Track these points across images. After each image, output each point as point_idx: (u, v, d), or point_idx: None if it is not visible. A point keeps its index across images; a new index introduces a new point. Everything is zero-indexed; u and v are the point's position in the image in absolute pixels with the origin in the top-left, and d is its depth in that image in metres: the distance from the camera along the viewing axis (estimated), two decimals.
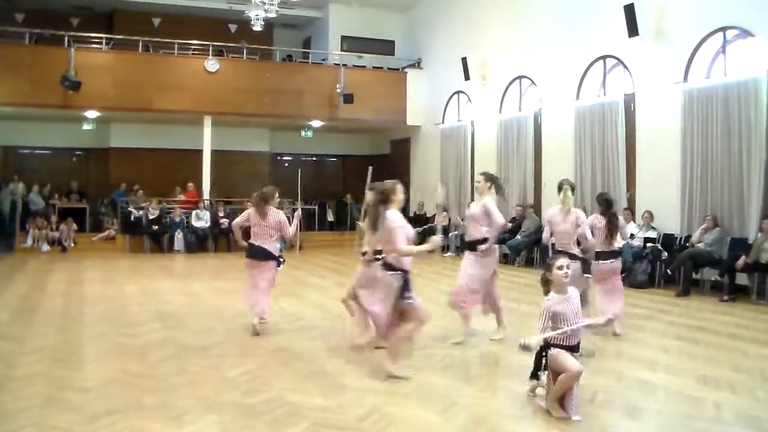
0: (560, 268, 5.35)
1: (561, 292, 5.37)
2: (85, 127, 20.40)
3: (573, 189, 8.12)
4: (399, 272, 6.13)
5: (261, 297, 8.28)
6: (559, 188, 8.12)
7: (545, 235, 8.40)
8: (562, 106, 15.63)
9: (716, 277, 11.35)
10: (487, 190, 7.81)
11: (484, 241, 7.63)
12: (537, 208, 16.19)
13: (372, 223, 6.41)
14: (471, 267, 7.76)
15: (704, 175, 12.19)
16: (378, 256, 6.78)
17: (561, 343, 5.26)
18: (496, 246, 7.92)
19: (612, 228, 8.08)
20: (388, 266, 6.20)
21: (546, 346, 5.27)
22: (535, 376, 5.39)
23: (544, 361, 5.28)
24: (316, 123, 21.52)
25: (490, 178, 7.91)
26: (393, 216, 6.21)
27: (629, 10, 13.40)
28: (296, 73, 21.07)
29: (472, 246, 7.78)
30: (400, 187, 6.41)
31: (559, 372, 5.19)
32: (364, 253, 7.34)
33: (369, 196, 6.99)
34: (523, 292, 11.25)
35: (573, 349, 5.30)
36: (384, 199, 6.29)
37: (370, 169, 8.37)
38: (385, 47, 23.08)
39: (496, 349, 7.43)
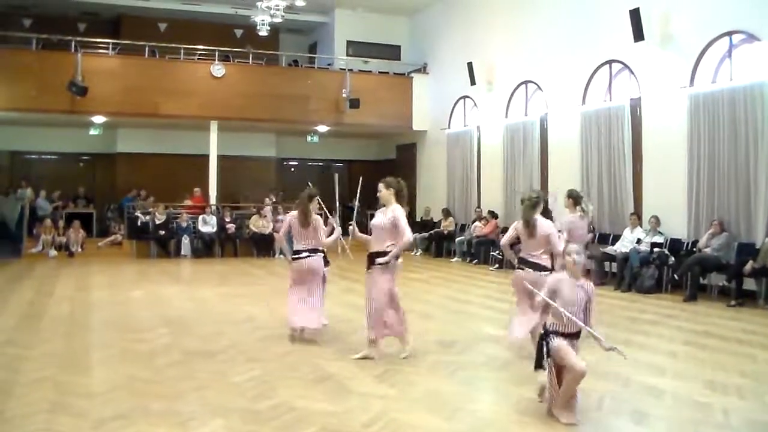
0: (569, 253, 5.41)
1: (572, 276, 5.39)
2: (92, 132, 20.51)
3: None
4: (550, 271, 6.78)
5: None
6: (577, 199, 8.36)
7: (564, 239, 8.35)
8: (568, 111, 15.61)
9: (724, 282, 11.32)
10: (392, 199, 7.02)
11: (386, 254, 6.90)
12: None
13: (526, 228, 7.06)
14: (371, 286, 7.06)
15: (711, 180, 12.16)
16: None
17: (558, 329, 5.25)
18: (399, 262, 7.09)
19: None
20: (537, 266, 6.94)
21: (546, 334, 5.28)
22: (539, 365, 5.34)
23: (546, 349, 5.25)
24: (322, 128, 21.56)
25: (391, 185, 7.08)
26: (544, 222, 7.06)
27: (635, 15, 13.39)
28: (302, 78, 21.12)
29: (372, 259, 6.99)
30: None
31: (561, 365, 5.17)
32: None
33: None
34: None
35: (572, 336, 5.27)
36: (535, 205, 7.05)
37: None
38: (391, 52, 23.11)
39: (502, 354, 7.41)
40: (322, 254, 8.06)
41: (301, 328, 8.01)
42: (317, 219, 7.98)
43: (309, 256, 7.95)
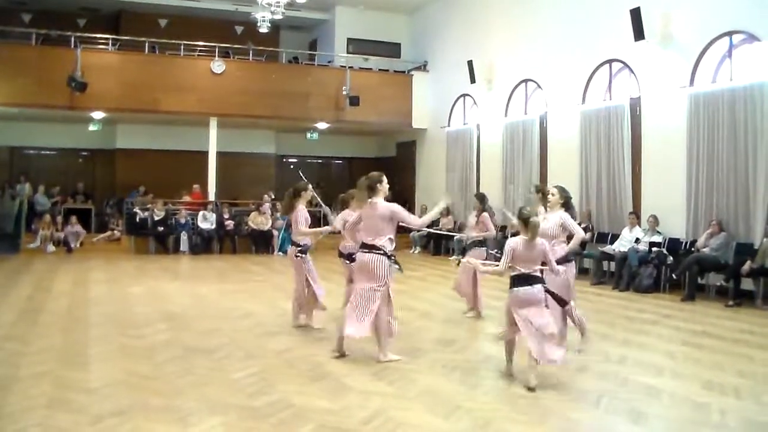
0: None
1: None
2: (92, 128, 20.45)
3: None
4: None
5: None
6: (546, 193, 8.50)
7: None
8: (568, 110, 15.61)
9: (722, 282, 11.32)
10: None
11: None
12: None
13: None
14: None
15: (710, 180, 12.17)
16: None
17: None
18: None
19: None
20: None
21: None
22: None
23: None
24: (322, 125, 21.54)
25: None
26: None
27: (635, 14, 13.39)
28: (302, 75, 21.13)
29: None
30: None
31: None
32: None
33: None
34: None
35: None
36: (567, 203, 7.26)
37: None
38: (391, 50, 23.10)
39: (501, 353, 7.40)
40: (298, 246, 8.36)
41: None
42: (297, 210, 8.22)
43: (289, 247, 8.60)
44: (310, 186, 8.46)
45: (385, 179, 7.08)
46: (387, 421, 5.09)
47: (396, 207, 7.01)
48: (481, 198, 9.84)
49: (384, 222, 6.88)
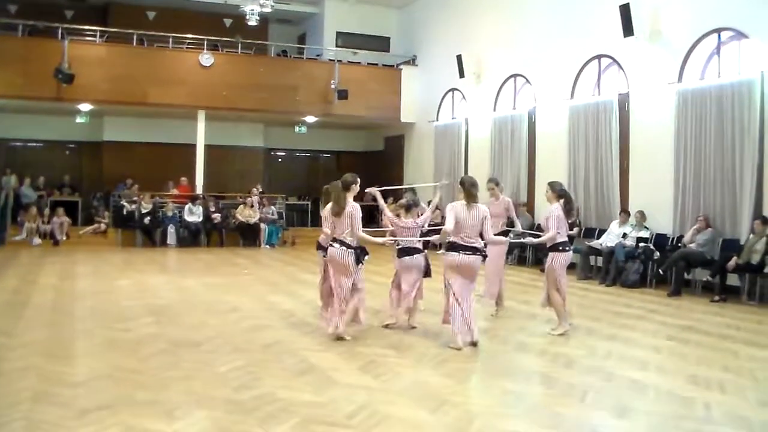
0: None
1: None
2: (79, 120, 20.40)
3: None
4: None
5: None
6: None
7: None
8: (557, 105, 15.64)
9: (708, 278, 11.37)
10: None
11: None
12: (530, 206, 16.20)
13: None
14: None
15: (697, 176, 12.22)
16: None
17: None
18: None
19: None
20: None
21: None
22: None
23: None
24: (311, 119, 21.51)
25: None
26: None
27: (624, 10, 13.41)
28: (291, 68, 21.08)
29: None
30: None
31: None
32: None
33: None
34: (514, 291, 11.24)
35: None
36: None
37: None
38: (380, 44, 23.06)
39: (489, 346, 7.44)
40: (353, 249, 7.42)
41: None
42: (351, 208, 7.40)
43: (332, 246, 7.53)
44: (358, 178, 7.65)
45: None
46: (373, 415, 5.08)
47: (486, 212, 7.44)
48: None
49: (481, 223, 7.29)
